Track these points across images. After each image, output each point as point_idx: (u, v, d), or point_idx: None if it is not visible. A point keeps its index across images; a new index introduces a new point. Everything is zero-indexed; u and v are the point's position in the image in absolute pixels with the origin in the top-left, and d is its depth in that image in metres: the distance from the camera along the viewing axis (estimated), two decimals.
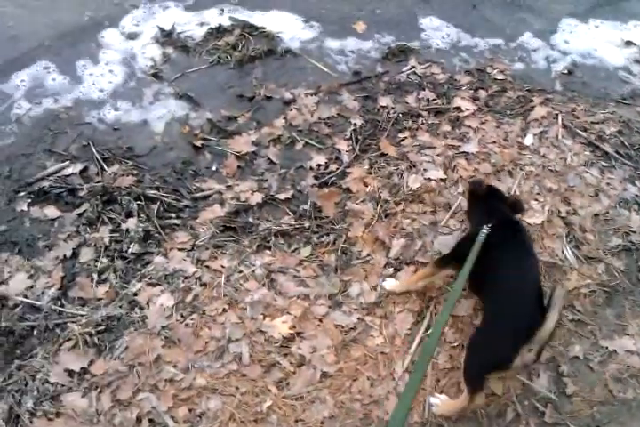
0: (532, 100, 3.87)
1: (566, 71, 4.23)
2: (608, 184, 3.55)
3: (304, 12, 4.01)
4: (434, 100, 3.70)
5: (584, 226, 3.29)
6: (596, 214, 3.37)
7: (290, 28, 3.84)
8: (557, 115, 3.85)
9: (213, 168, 3.09)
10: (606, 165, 3.67)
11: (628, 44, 4.68)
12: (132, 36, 3.76)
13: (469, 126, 3.59)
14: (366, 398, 2.39)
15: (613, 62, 4.48)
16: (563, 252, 3.15)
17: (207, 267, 2.67)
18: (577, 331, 2.85)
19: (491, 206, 2.54)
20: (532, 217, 3.24)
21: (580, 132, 3.78)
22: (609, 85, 4.29)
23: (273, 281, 2.67)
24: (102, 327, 2.49)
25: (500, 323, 2.27)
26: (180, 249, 2.69)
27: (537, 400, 2.60)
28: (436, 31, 4.20)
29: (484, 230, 2.32)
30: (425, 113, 3.62)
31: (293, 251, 2.82)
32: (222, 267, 2.65)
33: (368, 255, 2.86)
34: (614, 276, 3.11)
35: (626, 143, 3.84)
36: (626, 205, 3.48)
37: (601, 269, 3.12)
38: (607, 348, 2.82)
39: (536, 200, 3.34)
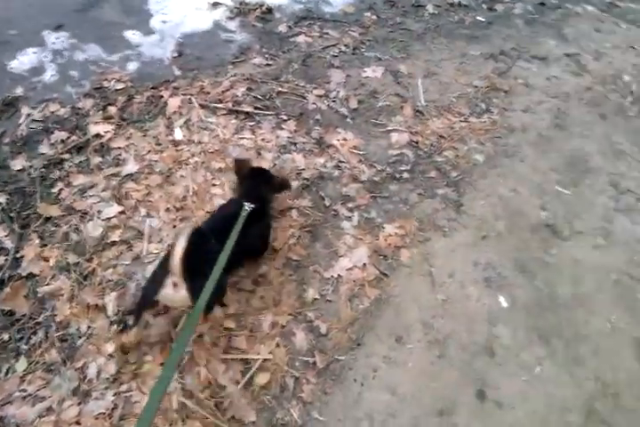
0: (161, 96, 3.69)
1: (177, 54, 4.08)
2: (263, 140, 3.63)
3: None
4: (68, 138, 3.30)
5: None
6: None
7: None
8: (190, 99, 3.73)
9: None
10: (253, 123, 3.73)
11: (216, 5, 4.66)
12: None
13: (118, 148, 3.31)
14: None
15: (211, 27, 4.45)
16: None
17: None
18: (303, 278, 2.96)
19: (252, 188, 2.67)
20: (219, 202, 3.17)
21: (217, 105, 3.74)
22: (220, 50, 4.30)
23: (3, 418, 2.21)
24: None
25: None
26: None
27: (304, 355, 2.67)
28: (32, 66, 3.66)
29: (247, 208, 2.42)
30: (67, 155, 3.22)
31: (7, 373, 2.35)
32: None
33: (89, 328, 2.53)
34: (307, 214, 3.27)
35: (258, 96, 3.91)
36: (285, 149, 3.61)
37: (295, 215, 3.24)
38: (332, 276, 3.00)
39: (214, 185, 3.27)
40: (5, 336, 2.40)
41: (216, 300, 2.40)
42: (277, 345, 2.64)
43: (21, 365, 2.35)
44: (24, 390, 2.29)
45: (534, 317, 3.08)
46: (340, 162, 3.64)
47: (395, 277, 3.11)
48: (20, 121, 3.28)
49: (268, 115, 3.82)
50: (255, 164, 3.01)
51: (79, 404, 2.28)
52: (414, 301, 3.01)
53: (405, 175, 3.68)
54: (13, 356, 2.39)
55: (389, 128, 4.01)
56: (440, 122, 4.22)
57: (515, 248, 3.41)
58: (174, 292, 2.07)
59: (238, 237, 2.30)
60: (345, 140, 3.82)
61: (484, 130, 4.26)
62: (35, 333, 2.47)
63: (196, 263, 1.98)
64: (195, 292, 2.03)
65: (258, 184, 2.73)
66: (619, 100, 4.86)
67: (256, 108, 3.85)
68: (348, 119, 4.00)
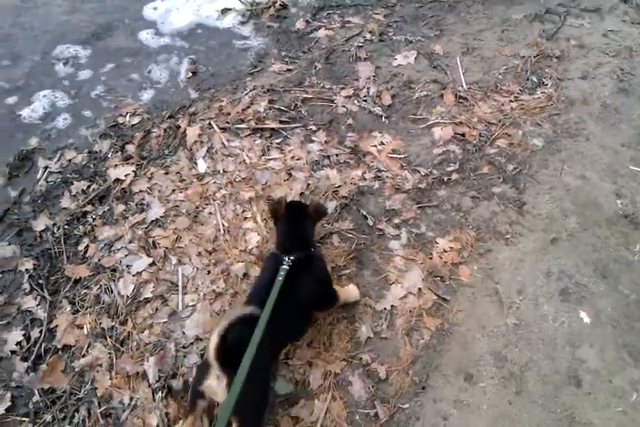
0: (178, 127, 3.46)
1: (190, 74, 3.83)
2: (293, 157, 3.38)
3: None
4: (89, 187, 3.17)
5: None
6: (302, 193, 3.18)
7: None
8: (210, 123, 3.49)
9: None
10: (280, 140, 3.48)
11: (225, 11, 4.38)
12: None
13: (140, 191, 3.16)
14: None
15: (224, 37, 4.16)
16: None
17: None
18: (353, 315, 2.72)
19: (290, 235, 2.40)
20: (252, 237, 2.94)
21: (239, 126, 3.50)
22: (235, 62, 4.02)
23: None
24: None
25: None
26: None
27: (364, 407, 2.45)
28: (45, 112, 3.54)
29: (285, 266, 2.15)
30: (89, 207, 3.09)
31: None
32: None
33: (132, 399, 2.41)
34: (350, 238, 3.00)
35: (282, 108, 3.64)
36: (318, 165, 3.33)
37: (336, 240, 2.99)
38: (385, 309, 2.74)
39: (245, 219, 3.04)
40: (48, 417, 2.32)
41: (261, 411, 2.04)
42: (333, 398, 2.40)
43: None
44: None
45: (623, 331, 2.69)
46: (380, 171, 3.32)
47: (456, 301, 2.78)
48: (38, 176, 3.17)
49: (296, 127, 3.53)
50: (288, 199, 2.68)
51: None
52: (482, 328, 2.68)
53: (454, 176, 3.30)
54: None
55: (430, 122, 3.62)
56: (487, 106, 3.77)
57: (591, 249, 2.98)
58: (217, 384, 1.83)
59: (295, 293, 2.10)
60: (382, 144, 3.48)
61: (540, 108, 3.78)
62: (77, 410, 2.38)
63: (239, 355, 1.69)
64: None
65: (293, 223, 2.43)
66: None
67: (281, 121, 3.57)
68: (383, 119, 3.64)
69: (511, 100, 3.81)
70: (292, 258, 2.19)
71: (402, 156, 3.41)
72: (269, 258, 2.38)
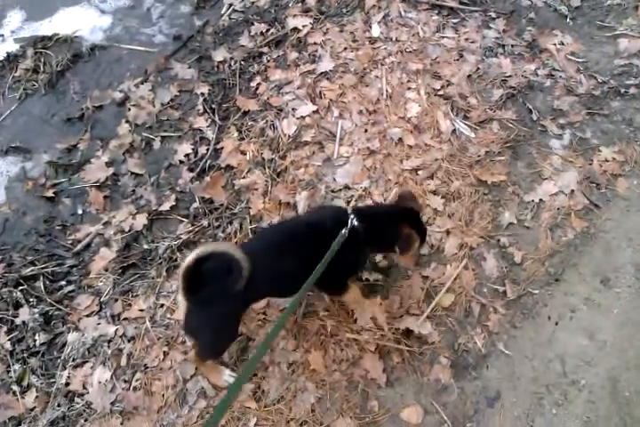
0: None
1: None
2: (467, 39, 2.98)
3: None
4: (267, 31, 2.95)
5: (463, 93, 2.76)
6: (469, 75, 2.81)
7: (85, 22, 2.94)
8: None
9: (79, 211, 2.42)
10: (457, 21, 3.05)
11: None
12: None
13: (315, 43, 2.91)
14: (342, 364, 1.98)
15: None
16: (455, 128, 2.59)
17: (126, 319, 2.11)
18: (499, 200, 2.41)
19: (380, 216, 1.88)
20: (413, 107, 2.65)
21: None
22: None
23: None
24: None
25: None
26: (88, 315, 2.12)
27: (493, 283, 2.22)
28: None
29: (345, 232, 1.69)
30: (266, 49, 2.89)
31: None
32: (141, 311, 2.10)
33: None
34: (510, 128, 2.65)
35: None
36: (491, 52, 2.92)
37: (495, 127, 2.65)
38: (533, 201, 2.45)
39: (409, 89, 2.73)
40: (205, 222, 2.30)
41: (222, 345, 1.83)
42: (465, 268, 2.19)
43: None
44: None
45: None
46: (554, 70, 2.85)
47: (608, 209, 2.42)
48: (222, 11, 2.98)
49: (475, 11, 3.05)
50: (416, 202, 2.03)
51: None
52: (629, 240, 2.34)
53: (632, 91, 2.80)
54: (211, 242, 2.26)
55: (618, 32, 3.02)
56: None
57: None
58: (181, 300, 1.55)
59: (311, 257, 1.60)
60: (562, 44, 2.96)
61: None
62: (230, 222, 2.34)
63: (202, 288, 1.46)
64: (189, 322, 1.58)
65: (392, 217, 1.85)
66: None
67: (461, 2, 3.11)
68: (568, 19, 3.07)
69: None
70: (355, 225, 1.71)
71: (580, 60, 2.90)
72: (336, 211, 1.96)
